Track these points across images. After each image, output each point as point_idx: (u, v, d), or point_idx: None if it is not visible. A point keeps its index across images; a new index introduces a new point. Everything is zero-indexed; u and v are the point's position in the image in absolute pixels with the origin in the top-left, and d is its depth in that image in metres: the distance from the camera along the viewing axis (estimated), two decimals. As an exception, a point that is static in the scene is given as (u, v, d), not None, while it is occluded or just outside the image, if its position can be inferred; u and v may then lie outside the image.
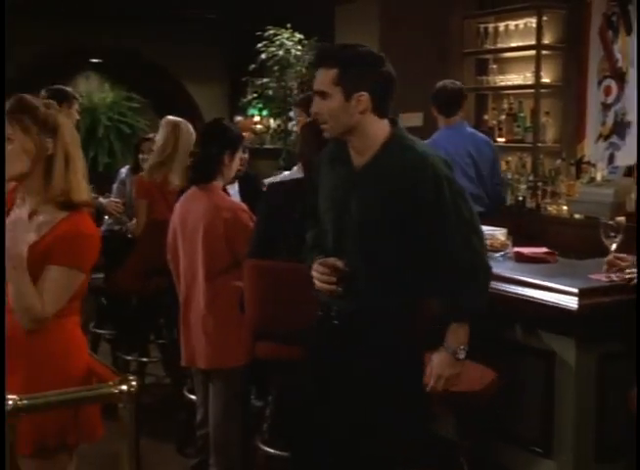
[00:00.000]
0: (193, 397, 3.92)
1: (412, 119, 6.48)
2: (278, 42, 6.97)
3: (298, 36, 7.04)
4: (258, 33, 6.99)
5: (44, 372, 2.30)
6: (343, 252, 2.45)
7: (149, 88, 8.50)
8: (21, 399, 1.99)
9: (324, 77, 2.38)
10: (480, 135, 4.90)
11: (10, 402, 1.96)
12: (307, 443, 2.58)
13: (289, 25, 7.03)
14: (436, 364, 2.44)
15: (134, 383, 2.16)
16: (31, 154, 2.31)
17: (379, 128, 2.41)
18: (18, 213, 2.33)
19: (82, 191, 2.36)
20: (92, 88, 8.58)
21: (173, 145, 4.58)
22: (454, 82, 4.89)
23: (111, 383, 2.18)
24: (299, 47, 7.04)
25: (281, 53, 6.94)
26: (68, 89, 4.85)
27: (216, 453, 3.51)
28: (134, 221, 4.97)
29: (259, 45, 6.92)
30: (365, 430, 2.42)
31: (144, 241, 4.60)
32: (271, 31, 6.97)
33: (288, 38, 7.00)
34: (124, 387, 2.15)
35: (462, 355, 2.41)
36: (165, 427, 4.15)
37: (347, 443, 2.45)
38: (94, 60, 8.70)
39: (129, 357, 4.96)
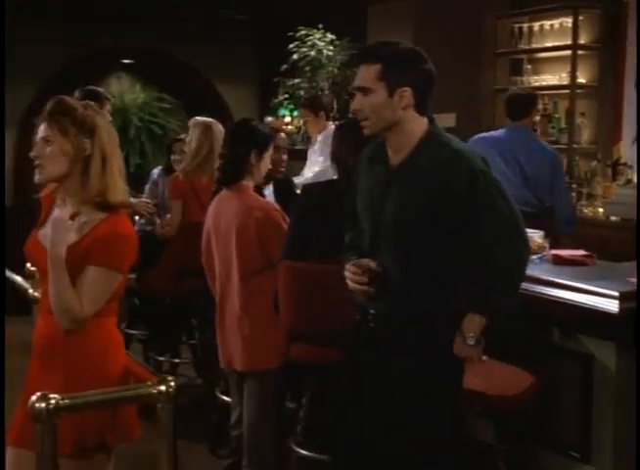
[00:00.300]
0: (225, 398, 3.94)
1: (445, 120, 6.45)
2: (310, 43, 6.96)
3: (330, 37, 7.03)
4: (290, 34, 6.99)
5: (83, 372, 2.32)
6: (379, 251, 2.45)
7: (180, 89, 8.53)
8: (62, 399, 2.01)
9: (367, 73, 2.40)
10: (539, 143, 4.91)
11: (52, 402, 1.99)
12: (343, 444, 2.58)
13: (320, 26, 7.02)
14: (456, 351, 2.43)
15: (172, 383, 2.18)
16: (70, 155, 2.33)
17: (417, 126, 2.42)
18: (57, 214, 2.36)
19: (118, 192, 2.38)
20: (124, 89, 8.62)
21: (209, 147, 4.60)
22: (526, 89, 5.16)
23: (149, 383, 2.20)
24: (331, 48, 7.03)
25: (313, 53, 6.93)
26: (100, 90, 4.90)
27: (250, 455, 3.52)
28: (159, 221, 5.01)
29: (291, 46, 6.93)
30: (400, 430, 2.43)
31: (177, 242, 4.63)
32: (303, 32, 6.97)
33: (320, 39, 6.99)
34: (163, 387, 2.17)
35: (471, 342, 2.38)
36: (198, 428, 4.17)
37: (383, 443, 2.45)
38: (125, 60, 8.74)
39: (161, 358, 5.00)
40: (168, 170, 5.50)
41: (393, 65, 2.38)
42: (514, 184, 4.42)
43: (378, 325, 2.47)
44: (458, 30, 6.55)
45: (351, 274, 2.44)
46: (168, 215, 4.93)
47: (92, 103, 2.45)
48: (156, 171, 5.73)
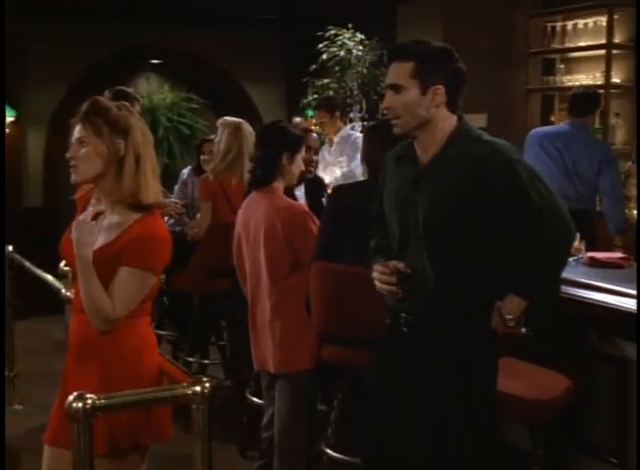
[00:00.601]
0: (255, 399, 3.95)
1: (475, 121, 6.42)
2: (339, 42, 6.96)
3: (360, 36, 7.03)
4: (319, 34, 7.00)
5: (117, 372, 2.34)
6: (408, 252, 2.43)
7: (208, 89, 8.57)
8: (99, 399, 2.03)
9: (399, 71, 2.39)
10: (595, 141, 5.04)
11: (89, 401, 2.00)
12: (377, 449, 2.57)
13: (350, 26, 7.02)
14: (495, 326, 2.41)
15: (207, 384, 2.20)
16: (104, 156, 2.35)
17: (447, 124, 2.41)
18: (84, 215, 2.39)
19: (151, 193, 2.39)
20: (152, 89, 8.68)
21: (238, 148, 4.61)
22: (591, 88, 5.37)
23: (184, 384, 2.22)
24: (361, 47, 7.03)
25: (342, 53, 6.93)
26: (130, 90, 4.93)
27: (280, 456, 3.53)
28: (190, 222, 5.03)
29: (320, 45, 6.93)
30: (435, 433, 2.41)
31: (207, 242, 4.65)
32: (332, 31, 6.97)
33: (349, 38, 6.99)
34: (198, 388, 2.19)
35: (511, 324, 2.37)
36: (227, 430, 4.18)
37: (418, 447, 2.45)
38: (154, 61, 8.80)
39: (191, 359, 5.02)
40: (198, 171, 5.53)
41: (426, 62, 2.37)
42: (555, 176, 4.45)
43: (410, 329, 2.46)
44: (489, 30, 6.52)
45: (379, 275, 2.44)
46: (198, 215, 4.95)
47: (127, 103, 2.47)
48: (185, 172, 5.76)
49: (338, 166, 5.72)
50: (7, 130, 7.59)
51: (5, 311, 4.64)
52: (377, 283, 2.45)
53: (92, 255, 2.30)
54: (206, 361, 5.18)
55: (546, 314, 2.67)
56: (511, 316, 2.37)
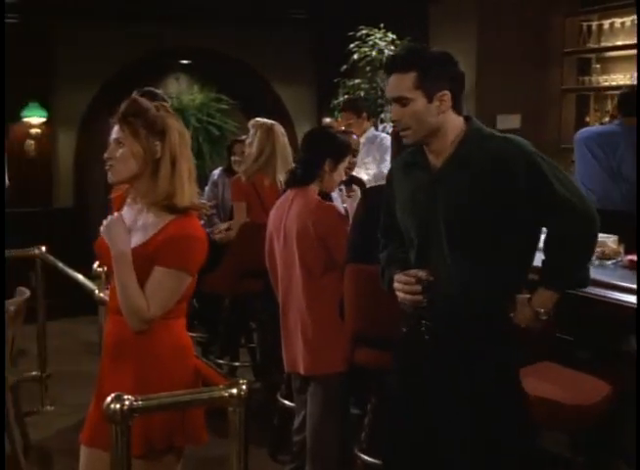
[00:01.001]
0: (287, 402, 3.95)
1: (509, 121, 6.41)
2: (370, 42, 6.96)
3: (391, 36, 7.01)
4: (350, 34, 6.99)
5: (152, 373, 2.35)
6: (429, 259, 2.41)
7: (238, 89, 8.60)
8: (136, 400, 2.04)
9: (401, 82, 2.37)
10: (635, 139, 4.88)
11: (126, 403, 2.02)
12: (394, 453, 2.56)
13: (382, 25, 7.01)
14: (519, 319, 2.40)
15: (244, 386, 2.20)
16: (140, 157, 2.37)
17: (457, 126, 2.41)
18: (117, 214, 2.41)
19: (186, 195, 2.39)
20: (182, 90, 8.73)
21: (270, 149, 4.62)
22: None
23: (221, 386, 2.22)
24: (392, 47, 7.01)
25: (373, 53, 6.92)
26: (158, 91, 4.96)
27: (312, 460, 3.53)
28: (222, 226, 5.03)
29: (352, 45, 6.93)
30: (464, 444, 2.39)
31: (239, 243, 4.67)
32: (364, 31, 6.96)
33: (380, 38, 6.97)
34: (234, 390, 2.19)
35: (543, 317, 2.37)
36: (258, 432, 4.19)
37: (446, 457, 2.43)
38: (184, 61, 8.85)
39: (221, 361, 5.03)
40: (229, 171, 5.55)
41: (429, 70, 2.36)
42: (600, 177, 4.42)
43: (432, 336, 2.43)
44: (524, 29, 6.48)
45: (402, 285, 2.41)
46: (230, 222, 4.95)
47: (166, 104, 2.48)
48: (216, 173, 5.78)
49: (363, 168, 5.71)
50: (38, 131, 7.68)
51: (37, 312, 4.69)
52: (400, 294, 2.43)
53: (129, 252, 2.32)
54: (237, 364, 5.20)
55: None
56: (543, 310, 2.37)
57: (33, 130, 7.69)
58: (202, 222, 5.14)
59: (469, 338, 2.38)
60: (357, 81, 7.16)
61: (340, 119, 7.99)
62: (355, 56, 6.91)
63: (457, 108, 2.41)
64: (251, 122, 4.82)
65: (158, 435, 2.35)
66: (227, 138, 7.61)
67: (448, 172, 2.39)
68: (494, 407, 2.38)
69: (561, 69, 6.60)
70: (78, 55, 7.79)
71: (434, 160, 2.43)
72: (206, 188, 5.70)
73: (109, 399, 2.03)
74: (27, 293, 3.84)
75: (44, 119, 7.70)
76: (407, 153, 2.53)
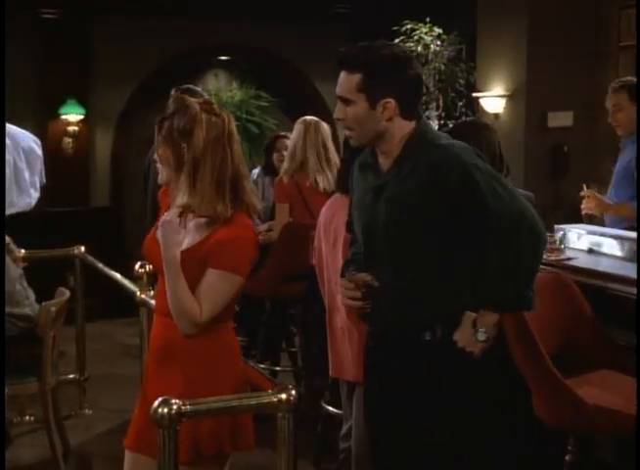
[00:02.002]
0: (331, 408, 3.95)
1: (561, 119, 6.35)
2: (416, 37, 6.95)
3: (437, 31, 7.00)
4: (395, 28, 6.98)
5: (200, 378, 2.36)
6: (374, 264, 2.38)
7: (277, 86, 8.63)
8: (184, 404, 2.05)
9: (346, 82, 2.30)
10: None
11: (174, 407, 2.03)
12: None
13: (427, 19, 6.99)
14: (457, 337, 2.33)
15: (294, 392, 2.20)
16: (166, 162, 2.38)
17: (404, 131, 2.32)
18: (167, 216, 2.40)
19: (206, 202, 2.33)
20: (220, 86, 8.80)
21: (302, 147, 4.60)
22: None
23: (270, 391, 2.22)
24: (438, 42, 7.00)
25: (419, 49, 6.91)
26: (197, 88, 5.00)
27: (358, 468, 3.52)
28: (263, 227, 5.04)
29: (396, 41, 6.91)
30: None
31: (281, 245, 4.67)
32: (409, 26, 6.95)
33: (426, 33, 6.96)
34: (284, 396, 2.19)
35: (481, 337, 2.29)
36: (300, 439, 4.18)
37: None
38: (222, 57, 8.91)
39: (261, 366, 5.04)
40: (268, 170, 5.55)
41: (374, 75, 2.27)
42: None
43: (375, 344, 2.43)
44: (577, 22, 6.42)
45: (343, 289, 2.38)
46: (271, 223, 4.95)
47: (212, 100, 2.48)
48: (256, 172, 5.79)
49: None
50: (76, 128, 7.79)
51: (76, 314, 4.74)
52: (341, 298, 2.42)
53: (180, 256, 2.33)
54: (277, 368, 5.20)
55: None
56: (484, 329, 2.29)
57: (71, 128, 7.80)
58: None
59: (406, 349, 2.36)
60: (402, 78, 7.15)
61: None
62: (400, 51, 6.89)
63: (407, 114, 2.31)
64: (298, 121, 4.82)
65: (206, 440, 2.35)
66: (267, 136, 7.63)
67: (389, 180, 2.33)
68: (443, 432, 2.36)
69: (616, 63, 6.51)
70: (116, 52, 7.89)
71: (384, 161, 2.37)
72: (246, 188, 5.70)
73: (156, 402, 2.04)
74: (68, 293, 3.89)
75: (82, 117, 7.80)
76: (365, 152, 2.47)
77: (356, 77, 2.28)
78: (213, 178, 2.33)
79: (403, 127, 2.32)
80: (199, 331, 2.35)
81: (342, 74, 2.32)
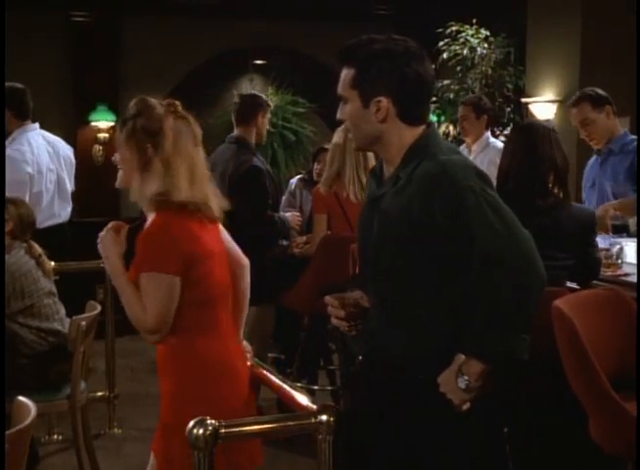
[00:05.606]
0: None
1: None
2: (461, 40, 6.94)
3: (485, 33, 6.98)
4: (439, 30, 6.98)
5: (179, 392, 2.47)
6: (367, 282, 2.30)
7: (315, 92, 8.64)
8: (220, 425, 2.05)
9: (343, 78, 2.22)
10: None
11: (210, 428, 2.03)
12: None
13: (474, 21, 6.98)
14: (440, 379, 2.17)
15: (335, 413, 2.18)
16: (127, 162, 2.45)
17: (405, 138, 2.21)
18: (111, 225, 2.48)
19: (183, 193, 2.40)
20: (256, 91, 8.84)
21: (340, 155, 4.60)
22: None
23: (310, 412, 2.21)
24: (485, 45, 6.98)
25: (465, 52, 6.89)
26: (262, 95, 5.03)
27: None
28: (300, 239, 5.04)
29: (441, 43, 6.92)
30: None
31: (319, 257, 4.66)
32: (454, 28, 6.94)
33: (472, 35, 6.95)
34: (324, 417, 2.17)
35: (461, 385, 2.10)
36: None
37: None
38: (258, 61, 8.95)
39: (298, 384, 5.03)
40: (306, 180, 5.57)
41: (367, 70, 2.17)
42: None
43: (362, 368, 2.39)
44: (634, 23, 6.34)
45: (329, 307, 2.31)
46: (308, 236, 4.96)
47: (176, 102, 2.51)
48: (293, 181, 5.82)
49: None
50: (106, 135, 7.88)
51: (106, 329, 4.78)
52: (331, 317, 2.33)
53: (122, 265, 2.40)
54: (315, 387, 5.19)
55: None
56: (466, 377, 2.10)
57: (101, 135, 7.87)
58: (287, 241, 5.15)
59: (385, 378, 2.27)
60: (446, 82, 7.14)
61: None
62: (445, 55, 6.89)
63: (406, 117, 2.20)
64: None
65: (242, 459, 2.38)
66: (303, 144, 7.64)
67: (386, 193, 2.23)
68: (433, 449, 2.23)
69: (677, 66, 6.44)
70: (149, 58, 7.96)
71: (387, 171, 2.28)
72: (283, 198, 5.73)
73: (191, 423, 2.04)
74: (98, 307, 3.92)
75: (112, 124, 7.88)
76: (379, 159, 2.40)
77: (351, 73, 2.20)
78: (191, 172, 2.41)
79: (404, 134, 2.21)
80: (159, 341, 2.41)
81: (343, 70, 2.24)
